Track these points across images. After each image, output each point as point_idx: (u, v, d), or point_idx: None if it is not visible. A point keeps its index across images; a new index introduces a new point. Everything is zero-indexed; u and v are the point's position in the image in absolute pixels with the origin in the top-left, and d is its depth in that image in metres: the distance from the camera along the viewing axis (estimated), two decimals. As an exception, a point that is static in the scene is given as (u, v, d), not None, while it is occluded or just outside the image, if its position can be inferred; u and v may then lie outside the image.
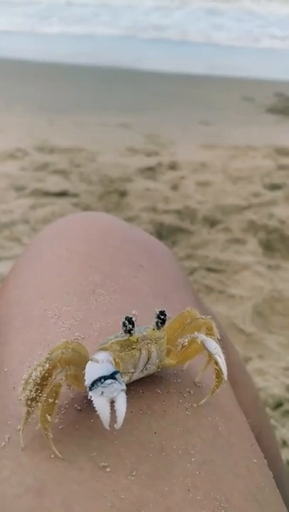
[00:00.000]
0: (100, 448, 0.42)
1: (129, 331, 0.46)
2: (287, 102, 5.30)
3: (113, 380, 0.39)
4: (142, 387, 0.49)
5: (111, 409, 0.39)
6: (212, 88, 5.83)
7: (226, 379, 0.48)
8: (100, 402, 0.39)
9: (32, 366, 0.44)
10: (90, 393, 0.39)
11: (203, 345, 0.48)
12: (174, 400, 0.48)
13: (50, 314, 0.57)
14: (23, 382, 0.43)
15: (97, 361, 0.41)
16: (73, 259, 0.67)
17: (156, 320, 0.48)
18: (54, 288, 0.62)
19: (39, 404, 0.42)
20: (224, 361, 0.48)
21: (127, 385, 0.42)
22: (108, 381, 0.39)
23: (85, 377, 0.40)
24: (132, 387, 0.47)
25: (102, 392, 0.39)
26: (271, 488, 0.48)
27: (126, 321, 0.46)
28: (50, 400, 0.42)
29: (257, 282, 2.16)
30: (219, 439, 0.47)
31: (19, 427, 0.43)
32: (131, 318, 0.46)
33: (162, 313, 0.48)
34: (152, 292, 0.64)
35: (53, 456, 0.41)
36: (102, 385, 0.39)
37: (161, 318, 0.47)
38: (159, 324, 0.48)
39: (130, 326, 0.46)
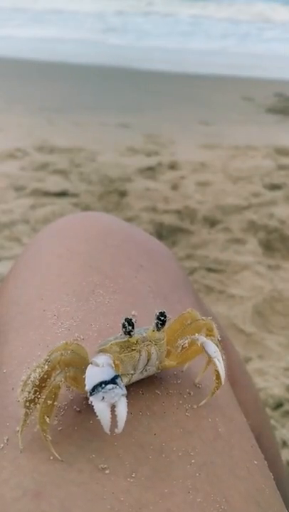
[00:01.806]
0: (99, 450, 0.42)
1: (128, 333, 0.46)
2: (287, 102, 5.29)
3: (114, 385, 0.39)
4: (142, 388, 0.49)
5: (111, 413, 0.39)
6: (212, 88, 5.83)
7: (223, 383, 0.48)
8: (100, 407, 0.38)
9: (31, 367, 0.43)
10: (91, 398, 0.39)
11: (203, 348, 0.48)
12: (173, 401, 0.48)
13: (50, 315, 0.57)
14: (21, 383, 0.43)
15: (97, 365, 0.41)
16: (73, 259, 0.67)
17: (156, 321, 0.47)
18: (53, 288, 0.62)
19: (38, 406, 0.42)
20: (223, 366, 0.48)
21: (126, 386, 0.42)
22: (109, 386, 0.39)
23: (86, 382, 0.39)
24: (131, 388, 0.47)
25: (103, 398, 0.38)
26: (271, 489, 0.48)
27: (126, 323, 0.46)
28: (49, 402, 0.41)
29: (257, 282, 2.15)
30: (219, 440, 0.47)
31: (18, 429, 0.43)
32: (131, 319, 0.46)
33: (162, 314, 0.47)
34: (152, 292, 0.64)
35: (51, 458, 0.41)
36: (102, 390, 0.39)
37: (161, 320, 0.47)
38: (159, 326, 0.47)
39: (130, 328, 0.46)
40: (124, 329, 0.46)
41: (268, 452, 0.57)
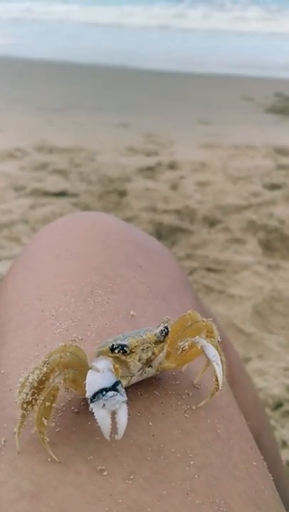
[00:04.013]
0: (97, 451, 0.42)
1: (124, 352, 0.45)
2: (286, 102, 5.30)
3: (115, 392, 0.39)
4: (140, 389, 0.48)
5: (112, 419, 0.38)
6: (212, 88, 5.83)
7: (220, 388, 0.48)
8: (101, 414, 0.38)
9: (29, 369, 0.43)
10: (92, 405, 0.39)
11: (203, 351, 0.47)
12: (172, 402, 0.48)
13: (48, 315, 0.57)
14: (19, 385, 0.43)
15: (97, 370, 0.41)
16: (72, 260, 0.67)
17: (158, 333, 0.47)
18: (52, 288, 0.62)
19: (35, 407, 0.41)
20: (221, 370, 0.47)
21: (125, 387, 0.42)
22: (110, 393, 0.38)
23: (86, 389, 0.39)
24: (129, 389, 0.47)
25: (104, 405, 0.38)
26: (271, 491, 0.47)
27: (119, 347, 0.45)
28: (48, 404, 0.41)
29: (257, 282, 2.15)
30: (218, 441, 0.47)
31: (15, 430, 0.43)
32: (124, 345, 0.45)
33: (166, 328, 0.47)
34: (151, 293, 0.64)
35: (49, 459, 0.41)
36: (103, 397, 0.38)
37: (165, 333, 0.47)
38: (161, 338, 0.47)
39: (125, 350, 0.45)
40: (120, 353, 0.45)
41: (267, 453, 0.57)
